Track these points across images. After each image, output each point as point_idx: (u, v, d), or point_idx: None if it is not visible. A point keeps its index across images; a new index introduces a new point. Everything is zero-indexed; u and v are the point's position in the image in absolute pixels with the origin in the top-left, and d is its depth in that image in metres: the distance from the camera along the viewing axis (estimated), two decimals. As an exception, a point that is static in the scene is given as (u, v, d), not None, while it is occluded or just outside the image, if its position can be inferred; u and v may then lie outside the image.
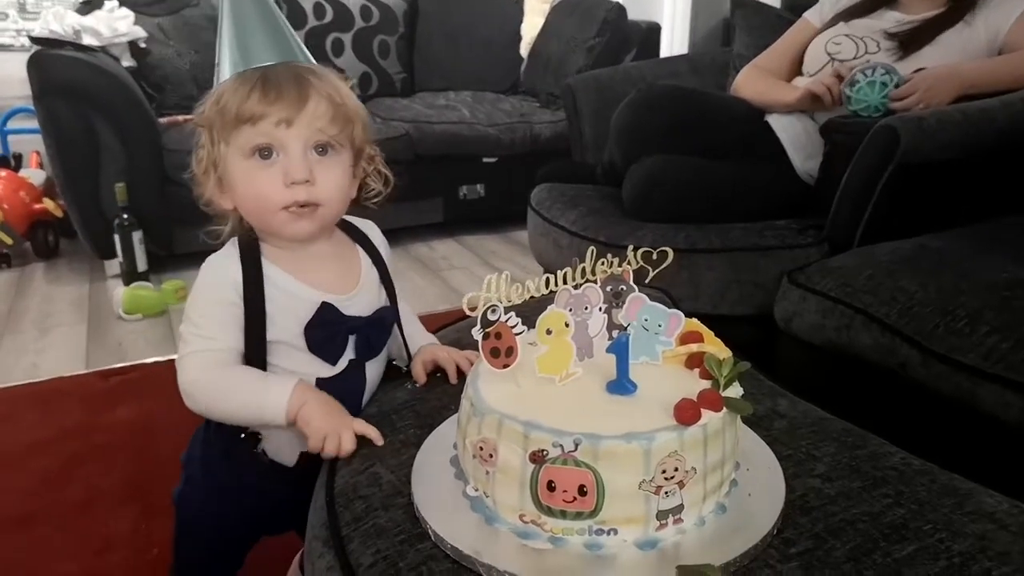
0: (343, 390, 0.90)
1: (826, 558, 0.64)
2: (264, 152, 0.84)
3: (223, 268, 0.87)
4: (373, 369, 0.96)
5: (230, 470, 0.96)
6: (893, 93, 1.57)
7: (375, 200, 0.95)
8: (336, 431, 0.83)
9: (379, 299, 0.95)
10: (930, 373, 1.14)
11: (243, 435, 0.92)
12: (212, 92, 0.86)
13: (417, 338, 1.02)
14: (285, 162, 0.83)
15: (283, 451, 0.93)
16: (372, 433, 0.84)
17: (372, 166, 0.93)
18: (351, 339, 0.91)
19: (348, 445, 0.83)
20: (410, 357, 1.00)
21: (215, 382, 0.85)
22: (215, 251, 0.90)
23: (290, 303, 0.87)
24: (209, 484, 0.99)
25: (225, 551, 1.04)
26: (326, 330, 0.88)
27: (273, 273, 0.87)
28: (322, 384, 0.89)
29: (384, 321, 0.95)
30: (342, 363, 0.91)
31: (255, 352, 0.87)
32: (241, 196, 0.86)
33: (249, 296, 0.86)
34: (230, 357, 0.86)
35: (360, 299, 0.92)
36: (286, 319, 0.87)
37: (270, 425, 0.87)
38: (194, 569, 1.06)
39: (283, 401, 0.84)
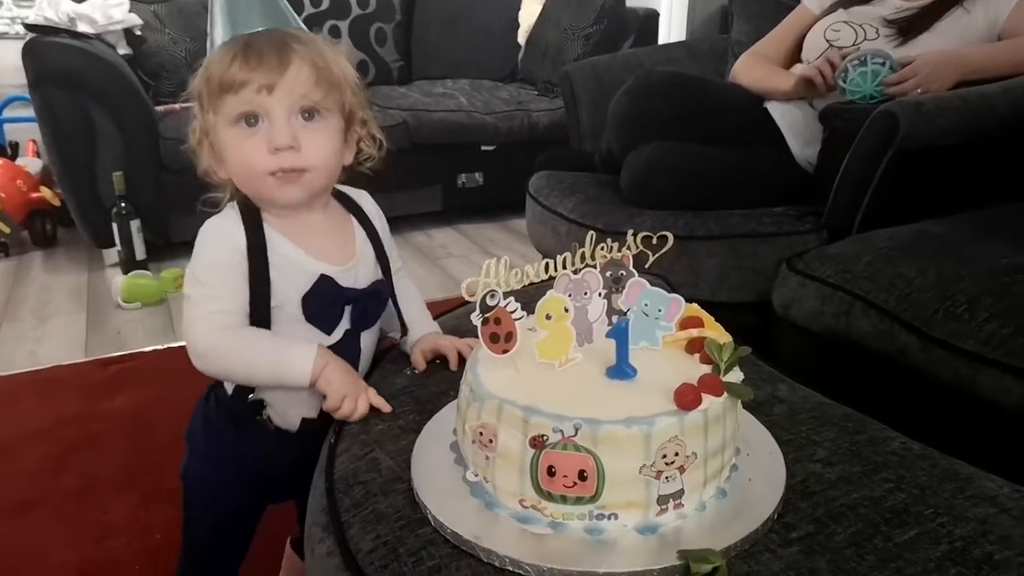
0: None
1: (827, 543, 0.64)
2: (250, 119, 0.84)
3: (227, 231, 0.87)
4: (367, 339, 0.97)
5: (234, 438, 0.96)
6: (890, 78, 1.56)
7: (369, 165, 0.95)
8: (355, 394, 0.86)
9: (375, 271, 0.96)
10: (929, 359, 1.13)
11: (249, 398, 0.92)
12: (203, 61, 0.86)
13: (420, 324, 1.03)
14: (269, 128, 0.83)
15: (287, 416, 0.94)
16: (379, 402, 0.87)
17: (364, 130, 0.93)
18: (347, 310, 0.92)
19: (363, 408, 0.87)
20: (404, 329, 1.01)
21: (231, 343, 0.86)
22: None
23: (291, 270, 0.88)
24: (213, 454, 0.99)
25: (232, 525, 1.03)
26: (322, 301, 0.89)
27: (275, 239, 0.88)
28: None
29: (380, 294, 0.96)
30: (338, 333, 0.92)
31: (259, 318, 0.87)
32: (230, 164, 0.87)
33: (254, 260, 0.86)
34: (240, 319, 0.86)
35: (357, 270, 0.93)
36: (287, 286, 0.88)
37: (288, 385, 0.87)
38: (203, 549, 1.05)
39: (309, 361, 0.85)
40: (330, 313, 0.91)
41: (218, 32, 0.85)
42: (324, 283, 0.88)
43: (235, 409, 0.94)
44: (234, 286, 0.85)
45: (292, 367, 0.86)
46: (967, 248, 1.25)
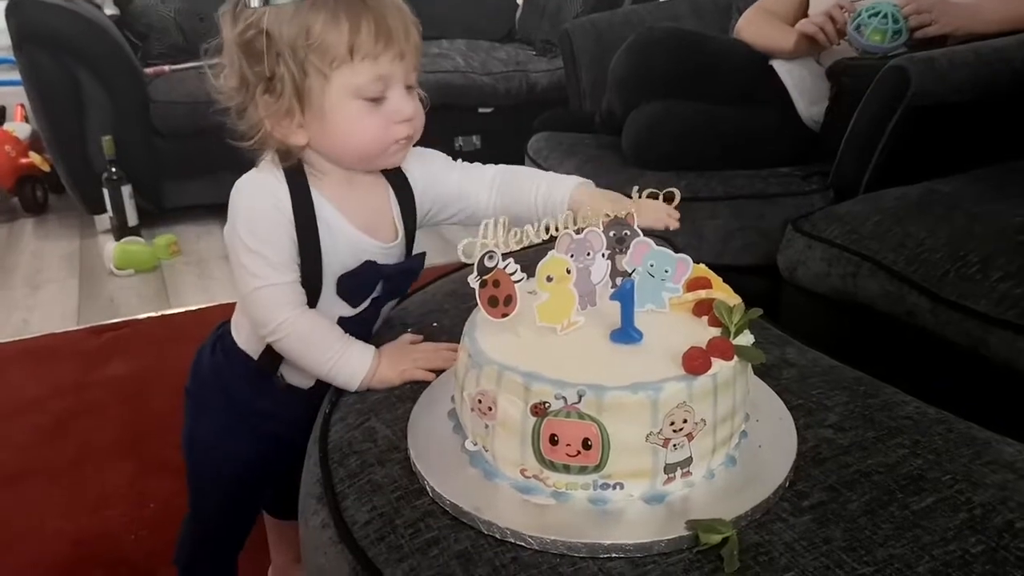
0: (358, 326, 0.90)
1: (841, 511, 0.62)
2: (377, 98, 0.80)
3: (270, 190, 0.82)
4: (388, 307, 0.95)
5: (248, 393, 0.94)
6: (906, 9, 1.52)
7: None
8: (411, 377, 0.84)
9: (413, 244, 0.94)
10: (939, 321, 1.11)
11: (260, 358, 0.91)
12: (283, 11, 0.77)
13: (554, 191, 1.00)
14: (393, 100, 0.81)
15: (301, 375, 0.92)
16: (420, 374, 0.84)
17: None
18: (379, 284, 0.90)
19: (425, 378, 0.84)
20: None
21: (303, 330, 0.83)
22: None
23: (336, 245, 0.85)
24: (224, 406, 0.96)
25: (243, 483, 1.00)
26: (358, 280, 0.87)
27: (325, 209, 0.84)
28: (341, 322, 0.88)
29: (415, 272, 0.94)
30: (364, 303, 0.90)
31: (310, 292, 0.85)
32: (340, 133, 0.81)
33: (302, 227, 0.83)
34: (301, 291, 0.84)
35: (399, 248, 0.91)
36: (333, 260, 0.85)
37: (336, 384, 0.86)
38: (211, 517, 1.03)
39: (359, 376, 0.83)
40: (362, 291, 0.89)
41: None
42: (367, 267, 0.86)
43: (245, 366, 0.92)
44: (289, 253, 0.82)
45: (343, 373, 0.84)
46: (978, 207, 1.22)
